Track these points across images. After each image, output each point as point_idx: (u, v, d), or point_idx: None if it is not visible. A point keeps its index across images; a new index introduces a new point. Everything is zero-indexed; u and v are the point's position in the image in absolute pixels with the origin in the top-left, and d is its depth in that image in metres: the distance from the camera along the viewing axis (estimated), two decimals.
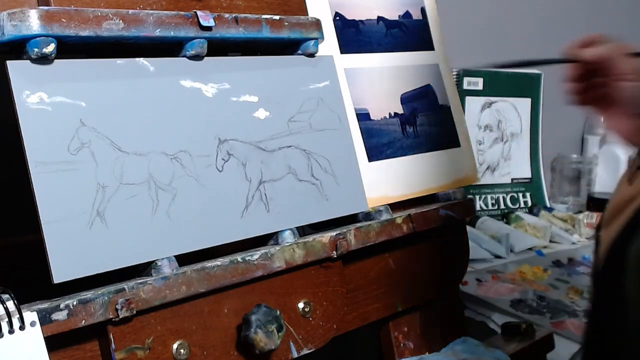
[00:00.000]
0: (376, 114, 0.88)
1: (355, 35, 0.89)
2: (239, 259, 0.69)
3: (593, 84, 0.82)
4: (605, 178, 1.86)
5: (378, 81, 0.90)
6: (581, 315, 1.14)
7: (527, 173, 1.72)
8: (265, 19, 0.75)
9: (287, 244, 0.73)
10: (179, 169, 0.67)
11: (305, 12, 0.84)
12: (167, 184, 0.66)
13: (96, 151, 0.62)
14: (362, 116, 0.86)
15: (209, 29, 0.70)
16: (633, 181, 0.73)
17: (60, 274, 0.58)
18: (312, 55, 0.81)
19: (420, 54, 0.96)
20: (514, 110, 1.70)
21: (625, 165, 1.85)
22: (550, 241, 1.51)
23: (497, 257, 1.40)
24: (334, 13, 0.87)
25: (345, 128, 0.82)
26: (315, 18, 0.80)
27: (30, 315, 0.55)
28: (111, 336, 0.61)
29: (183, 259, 0.66)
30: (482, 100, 1.64)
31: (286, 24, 0.77)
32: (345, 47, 0.87)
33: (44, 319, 0.56)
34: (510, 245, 1.43)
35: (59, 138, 0.60)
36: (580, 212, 1.68)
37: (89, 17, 0.62)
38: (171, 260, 0.65)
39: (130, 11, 0.65)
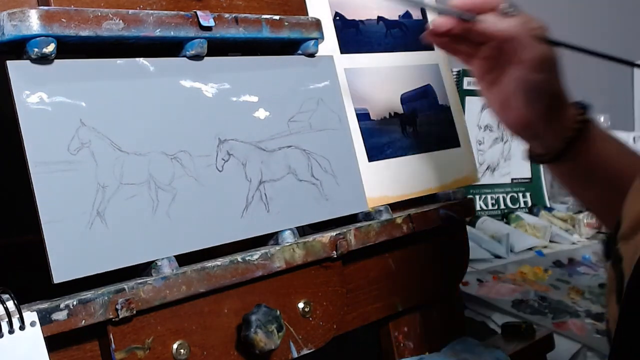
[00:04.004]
0: (376, 114, 0.88)
1: (355, 35, 0.89)
2: (239, 259, 0.69)
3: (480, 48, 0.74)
4: None
5: (378, 81, 0.90)
6: (583, 315, 1.14)
7: (527, 173, 1.72)
8: (265, 19, 0.75)
9: (287, 244, 0.73)
10: (179, 169, 0.67)
11: (305, 12, 0.84)
12: (167, 184, 0.66)
13: (96, 151, 0.62)
14: (362, 116, 0.86)
15: (209, 29, 0.70)
16: None
17: (60, 274, 0.58)
18: (312, 55, 0.81)
19: (420, 54, 0.96)
20: None
21: None
22: (550, 241, 1.51)
23: (497, 257, 1.40)
24: (334, 13, 0.87)
25: (345, 128, 0.82)
26: (315, 18, 0.80)
27: (30, 315, 0.55)
28: (111, 336, 0.61)
29: (183, 259, 0.66)
30: (482, 100, 1.63)
31: (286, 24, 0.77)
32: (346, 47, 0.87)
33: (44, 319, 0.56)
34: (510, 245, 1.43)
35: (59, 138, 0.60)
36: (580, 212, 1.68)
37: (89, 17, 0.62)
38: (171, 260, 0.65)
39: (130, 11, 0.65)
